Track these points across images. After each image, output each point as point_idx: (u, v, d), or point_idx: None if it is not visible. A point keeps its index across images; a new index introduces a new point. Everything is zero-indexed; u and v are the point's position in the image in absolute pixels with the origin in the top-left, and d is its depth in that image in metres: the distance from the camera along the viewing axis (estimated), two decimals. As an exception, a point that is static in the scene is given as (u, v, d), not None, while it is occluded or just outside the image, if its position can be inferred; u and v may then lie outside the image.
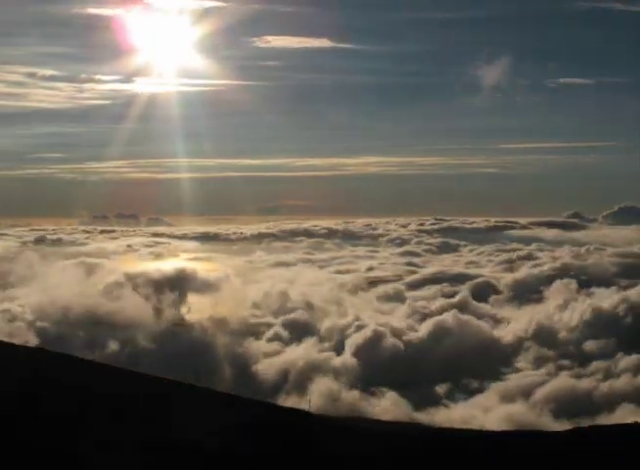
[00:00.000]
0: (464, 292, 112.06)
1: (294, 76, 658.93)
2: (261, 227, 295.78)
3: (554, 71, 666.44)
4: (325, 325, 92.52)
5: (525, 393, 69.83)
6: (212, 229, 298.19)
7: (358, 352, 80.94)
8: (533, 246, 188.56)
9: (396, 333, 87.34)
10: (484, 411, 64.91)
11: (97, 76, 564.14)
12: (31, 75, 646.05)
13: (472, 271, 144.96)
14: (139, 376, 21.84)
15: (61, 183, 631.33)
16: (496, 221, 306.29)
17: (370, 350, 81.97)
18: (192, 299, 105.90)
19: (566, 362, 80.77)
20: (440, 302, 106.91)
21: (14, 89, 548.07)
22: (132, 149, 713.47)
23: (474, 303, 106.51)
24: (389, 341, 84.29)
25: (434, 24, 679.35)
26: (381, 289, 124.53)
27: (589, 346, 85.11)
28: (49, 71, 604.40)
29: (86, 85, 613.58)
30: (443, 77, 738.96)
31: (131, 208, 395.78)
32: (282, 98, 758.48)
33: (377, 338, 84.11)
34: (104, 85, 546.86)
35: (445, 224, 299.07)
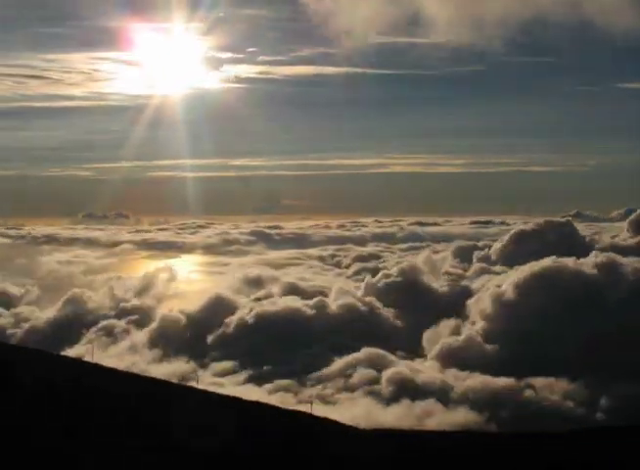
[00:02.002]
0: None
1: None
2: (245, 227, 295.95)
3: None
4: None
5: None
6: (199, 229, 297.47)
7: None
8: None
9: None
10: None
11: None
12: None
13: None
14: (139, 377, 21.60)
15: (70, 183, 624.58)
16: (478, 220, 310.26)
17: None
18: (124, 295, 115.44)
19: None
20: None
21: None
22: (150, 150, 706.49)
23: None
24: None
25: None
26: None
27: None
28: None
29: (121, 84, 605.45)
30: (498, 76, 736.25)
31: (135, 208, 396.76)
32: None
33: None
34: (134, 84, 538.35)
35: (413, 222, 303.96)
